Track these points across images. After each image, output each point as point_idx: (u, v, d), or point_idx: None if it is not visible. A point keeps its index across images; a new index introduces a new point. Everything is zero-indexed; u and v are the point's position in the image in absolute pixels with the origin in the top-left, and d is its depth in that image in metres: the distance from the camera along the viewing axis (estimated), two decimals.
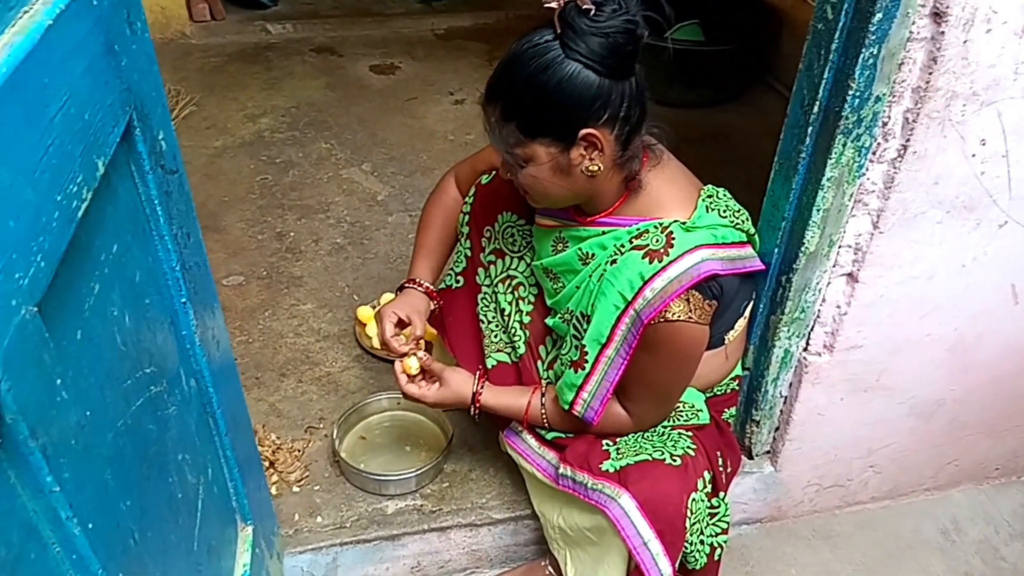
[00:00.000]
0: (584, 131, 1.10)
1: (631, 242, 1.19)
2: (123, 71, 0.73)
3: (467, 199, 1.44)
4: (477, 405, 1.35)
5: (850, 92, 1.14)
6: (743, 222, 1.24)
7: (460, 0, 3.68)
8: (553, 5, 1.05)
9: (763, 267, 1.29)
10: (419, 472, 1.52)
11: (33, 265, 0.53)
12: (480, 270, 1.44)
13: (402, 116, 2.86)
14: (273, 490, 1.52)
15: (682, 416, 1.33)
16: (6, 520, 0.51)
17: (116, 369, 0.70)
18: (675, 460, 1.21)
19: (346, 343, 1.88)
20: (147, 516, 0.73)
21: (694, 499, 1.19)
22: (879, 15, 1.07)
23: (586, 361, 1.22)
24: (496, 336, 1.43)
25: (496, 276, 1.42)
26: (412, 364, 1.33)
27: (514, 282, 1.41)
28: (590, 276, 1.24)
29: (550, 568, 1.46)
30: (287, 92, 2.97)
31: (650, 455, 1.22)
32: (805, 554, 1.66)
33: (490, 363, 1.42)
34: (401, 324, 1.37)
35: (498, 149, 1.18)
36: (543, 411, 1.34)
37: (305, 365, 1.82)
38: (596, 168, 1.14)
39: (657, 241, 1.16)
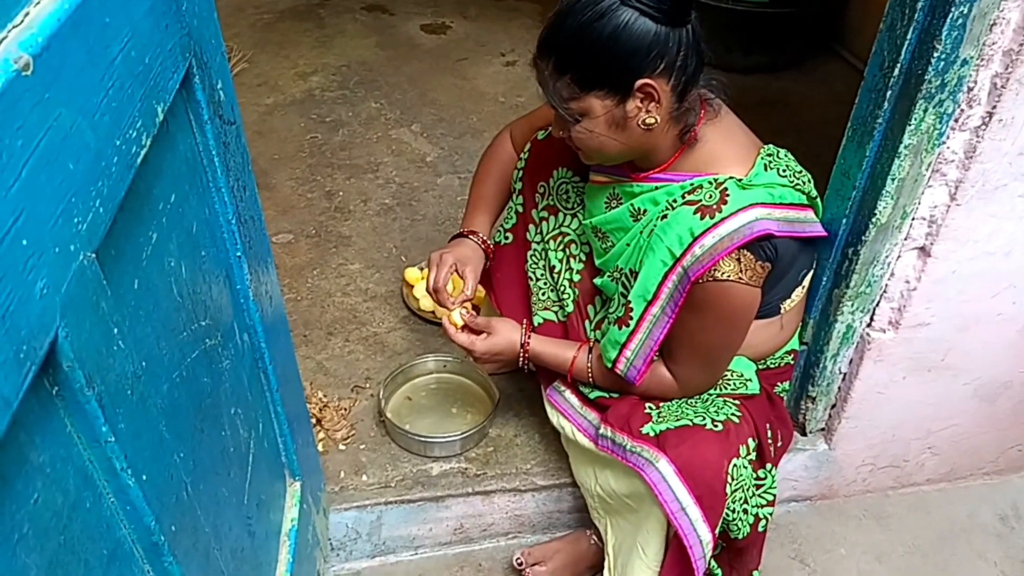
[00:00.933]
0: (640, 81, 1.06)
1: (683, 197, 1.15)
2: (183, 15, 0.71)
3: (522, 155, 1.42)
4: (526, 354, 1.34)
5: (935, 54, 1.07)
6: (804, 184, 1.19)
7: None
8: None
9: (824, 234, 1.23)
10: (464, 435, 1.52)
11: (92, 210, 0.51)
12: (531, 226, 1.42)
13: (452, 77, 2.82)
14: (320, 447, 1.53)
15: (730, 384, 1.29)
16: (63, 467, 0.50)
17: (172, 320, 0.69)
18: (716, 426, 1.18)
19: (393, 304, 1.87)
20: (199, 468, 0.73)
21: (735, 465, 1.16)
22: None
23: (631, 318, 1.19)
24: (544, 294, 1.41)
25: (548, 233, 1.40)
26: (456, 317, 1.33)
27: (566, 239, 1.38)
28: (641, 232, 1.21)
29: (594, 538, 1.45)
30: (338, 50, 2.94)
31: (691, 420, 1.20)
32: (855, 534, 1.62)
33: (537, 321, 1.41)
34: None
35: (552, 104, 1.15)
36: (589, 367, 1.31)
37: (352, 324, 1.81)
38: (653, 121, 1.10)
39: (710, 197, 1.11)
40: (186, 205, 0.74)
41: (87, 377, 0.50)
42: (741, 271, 1.10)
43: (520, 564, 1.45)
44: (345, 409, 1.61)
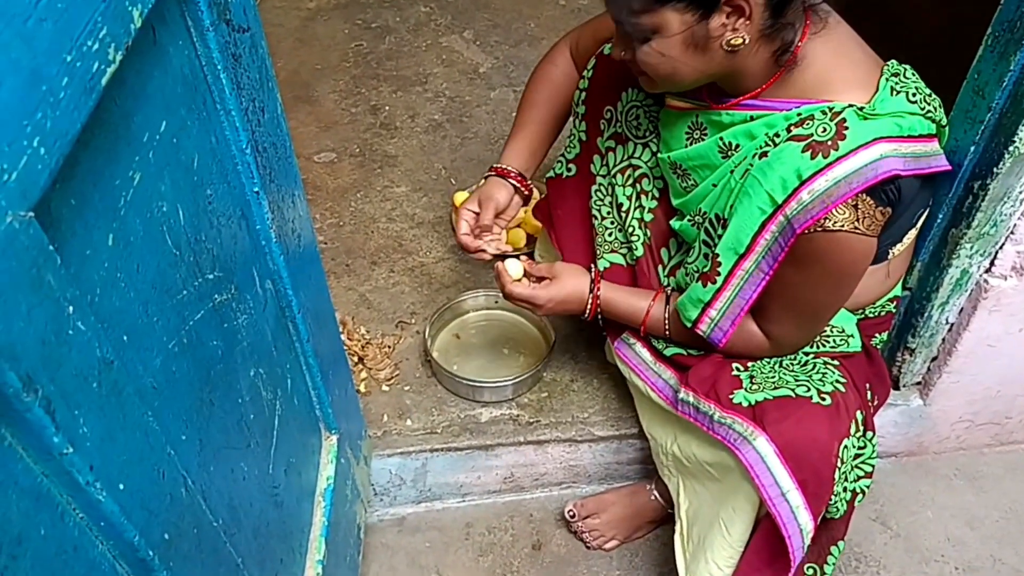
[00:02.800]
0: None
1: (789, 130, 0.96)
2: None
3: (585, 72, 1.22)
4: (596, 301, 1.18)
5: None
6: (935, 110, 0.98)
7: None
8: None
9: (949, 167, 1.04)
10: (516, 380, 1.39)
11: (24, 153, 0.37)
12: (596, 157, 1.23)
13: None
14: (361, 387, 1.43)
15: (829, 341, 1.12)
16: (4, 490, 0.38)
17: (167, 278, 0.56)
18: (824, 399, 1.01)
19: (441, 231, 1.73)
20: (207, 450, 0.62)
21: (845, 446, 1.00)
22: None
23: (718, 274, 1.03)
24: (610, 234, 1.24)
25: (615, 165, 1.21)
26: (512, 268, 1.17)
27: (637, 172, 1.20)
28: (731, 172, 1.02)
29: (655, 493, 1.33)
30: None
31: (793, 390, 1.03)
32: (944, 495, 1.47)
33: (602, 265, 1.24)
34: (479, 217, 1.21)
35: (617, 16, 0.95)
36: (666, 320, 1.16)
37: (397, 254, 1.69)
38: (740, 41, 0.91)
39: (824, 131, 0.92)
40: (183, 135, 0.60)
41: (24, 378, 0.37)
42: (858, 219, 0.92)
43: (572, 516, 1.35)
44: (389, 347, 1.50)
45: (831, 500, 1.03)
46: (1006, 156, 1.03)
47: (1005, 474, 1.50)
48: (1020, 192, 1.08)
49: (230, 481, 0.68)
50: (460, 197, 1.72)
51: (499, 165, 1.27)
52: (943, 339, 1.29)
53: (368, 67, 2.20)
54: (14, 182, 0.37)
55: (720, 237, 1.02)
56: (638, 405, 1.34)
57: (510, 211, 1.26)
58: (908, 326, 1.28)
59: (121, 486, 0.46)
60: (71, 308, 0.41)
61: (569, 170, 1.28)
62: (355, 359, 1.46)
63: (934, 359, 1.33)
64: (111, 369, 0.45)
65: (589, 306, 1.18)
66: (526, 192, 1.27)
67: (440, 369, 1.42)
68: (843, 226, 0.92)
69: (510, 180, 1.25)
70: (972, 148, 1.07)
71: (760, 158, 0.97)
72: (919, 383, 1.39)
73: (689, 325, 1.09)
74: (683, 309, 1.10)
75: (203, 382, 0.62)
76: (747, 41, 0.92)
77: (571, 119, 1.27)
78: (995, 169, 1.05)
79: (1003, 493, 1.48)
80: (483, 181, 1.29)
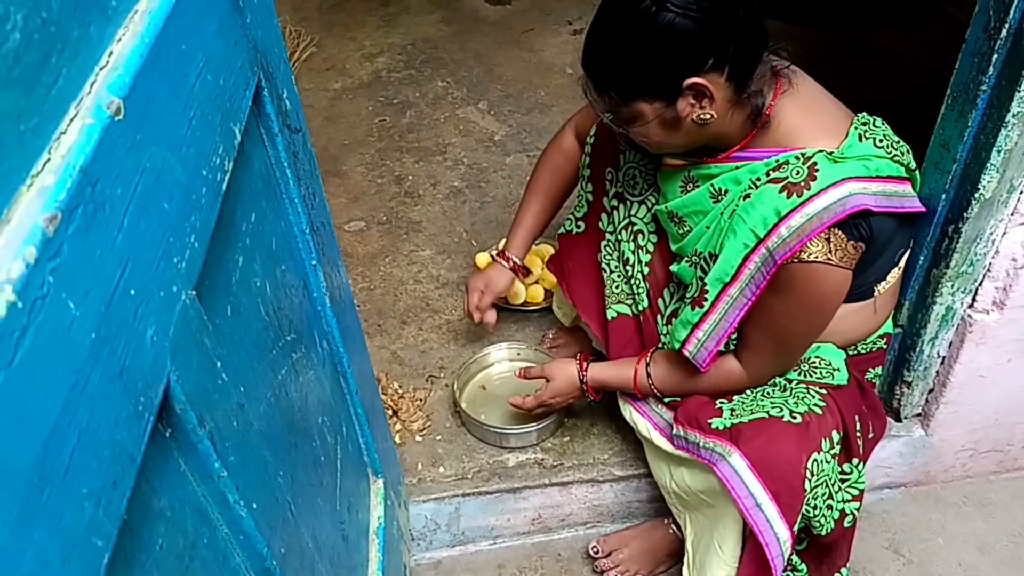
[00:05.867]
0: (688, 81, 1.01)
1: (768, 175, 1.08)
2: (248, 28, 0.69)
3: (588, 139, 1.37)
4: (587, 385, 1.35)
5: None
6: (903, 154, 1.10)
7: None
8: None
9: (923, 209, 1.15)
10: (540, 426, 1.50)
11: (188, 247, 0.50)
12: (603, 215, 1.37)
13: (518, 50, 2.76)
14: (397, 439, 1.54)
15: (816, 372, 1.23)
16: (181, 509, 0.50)
17: (263, 340, 0.69)
18: (795, 417, 1.12)
19: (464, 290, 1.86)
20: (297, 484, 0.73)
21: (815, 460, 1.10)
22: None
23: (705, 299, 1.14)
24: (618, 287, 1.37)
25: (619, 223, 1.34)
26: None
27: (634, 229, 1.33)
28: (721, 214, 1.14)
29: (673, 527, 1.41)
30: (403, 28, 2.92)
31: (767, 412, 1.14)
32: (954, 522, 1.54)
33: (610, 314, 1.37)
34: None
35: (600, 112, 1.12)
36: (649, 379, 1.28)
37: (425, 313, 1.81)
38: (708, 117, 1.05)
39: (798, 173, 1.04)
40: (265, 222, 0.73)
41: (199, 417, 0.50)
42: (831, 251, 1.03)
43: (596, 552, 1.44)
44: (421, 400, 1.61)
45: (811, 513, 1.13)
46: (973, 202, 1.14)
47: (1012, 500, 1.57)
48: (991, 234, 1.19)
49: (313, 512, 0.79)
50: (481, 258, 1.86)
51: (504, 252, 1.50)
52: (937, 372, 1.38)
53: (391, 140, 2.37)
54: (184, 269, 0.50)
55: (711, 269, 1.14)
56: (645, 448, 1.44)
57: (506, 291, 1.51)
58: (903, 361, 1.38)
59: (254, 505, 0.58)
60: (219, 363, 0.54)
61: (579, 227, 1.41)
62: (390, 412, 1.58)
63: (931, 391, 1.42)
64: (243, 411, 0.58)
65: (583, 390, 1.35)
66: (522, 275, 1.53)
67: (469, 418, 1.52)
68: (817, 258, 1.03)
69: (510, 266, 1.48)
70: (943, 195, 1.19)
71: (744, 199, 1.09)
72: (919, 415, 1.47)
73: (678, 346, 1.19)
74: (674, 332, 1.21)
75: (289, 427, 0.74)
76: (715, 116, 1.05)
77: (579, 181, 1.41)
78: (965, 214, 1.16)
79: (1012, 518, 1.54)
80: (494, 250, 1.51)
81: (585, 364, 1.36)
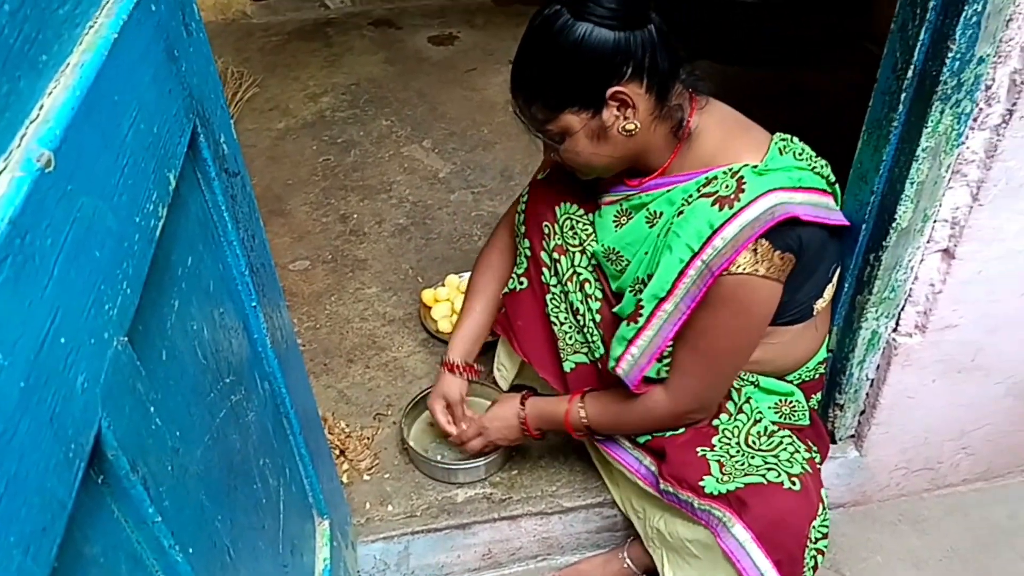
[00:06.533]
0: (611, 90, 1.06)
1: (699, 191, 1.12)
2: (184, 76, 0.71)
3: (522, 198, 1.39)
4: (526, 427, 1.38)
5: (949, 54, 1.05)
6: (822, 168, 1.16)
7: None
8: None
9: (848, 223, 1.20)
10: (488, 460, 1.51)
11: (120, 293, 0.51)
12: (544, 270, 1.36)
13: (461, 89, 2.81)
14: (344, 478, 1.52)
15: (795, 415, 1.26)
16: (114, 555, 0.50)
17: (200, 384, 0.69)
18: (794, 483, 1.13)
19: (411, 327, 1.87)
20: (237, 527, 0.73)
21: (814, 526, 1.12)
22: None
23: (640, 315, 1.16)
24: (571, 338, 1.36)
25: (564, 274, 1.34)
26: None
27: (580, 279, 1.33)
28: (658, 236, 1.17)
29: (628, 560, 1.42)
30: (347, 68, 2.95)
31: (764, 477, 1.14)
32: (891, 540, 1.59)
33: (568, 366, 1.37)
34: (449, 408, 1.47)
35: (534, 131, 1.16)
36: (583, 417, 1.30)
37: (372, 350, 1.81)
38: (633, 126, 1.10)
39: (727, 187, 1.08)
40: (202, 265, 0.74)
41: (131, 462, 0.50)
42: (758, 262, 1.06)
43: None
44: (368, 438, 1.61)
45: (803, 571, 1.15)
46: (891, 231, 1.21)
47: (944, 516, 1.63)
48: (910, 261, 1.25)
49: (254, 557, 0.78)
50: (427, 294, 1.87)
51: (449, 360, 1.46)
52: (867, 394, 1.44)
53: (336, 179, 2.38)
54: (116, 316, 0.50)
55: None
56: (611, 479, 1.45)
57: (463, 397, 1.47)
58: (835, 384, 1.44)
59: (190, 550, 0.57)
60: (152, 408, 0.54)
61: (521, 283, 1.40)
62: (337, 452, 1.57)
63: (862, 413, 1.48)
64: (179, 455, 0.58)
65: (522, 430, 1.39)
66: (474, 375, 1.49)
67: (417, 455, 1.52)
68: (745, 269, 1.06)
69: (459, 373, 1.46)
70: (863, 225, 1.25)
71: (678, 216, 1.13)
72: (853, 436, 1.53)
73: (612, 364, 1.20)
74: (612, 350, 1.22)
75: (228, 470, 0.74)
76: (639, 126, 1.10)
77: (516, 239, 1.42)
78: (884, 243, 1.22)
79: (944, 534, 1.60)
80: (436, 381, 1.50)
81: (524, 407, 1.38)
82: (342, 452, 1.57)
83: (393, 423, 1.64)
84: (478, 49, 3.05)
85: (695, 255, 1.08)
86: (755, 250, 1.06)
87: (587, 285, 1.32)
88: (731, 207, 1.06)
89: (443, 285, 1.89)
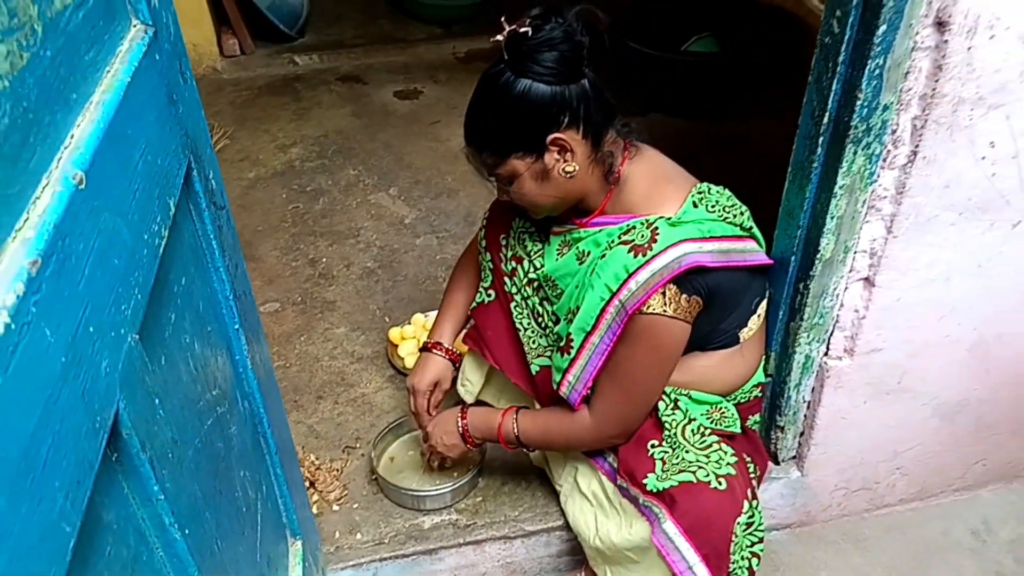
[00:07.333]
0: (551, 136, 1.20)
1: (620, 238, 1.25)
2: (181, 118, 0.80)
3: (483, 216, 1.53)
4: (465, 434, 1.47)
5: (858, 102, 1.18)
6: (735, 216, 1.29)
7: (478, 24, 3.77)
8: (499, 37, 1.19)
9: (769, 261, 1.34)
10: (454, 487, 1.58)
11: (133, 297, 0.60)
12: (506, 279, 1.49)
13: (426, 140, 2.94)
14: (314, 509, 1.58)
15: (725, 421, 1.37)
16: (125, 525, 0.58)
17: (191, 391, 0.77)
18: (720, 483, 1.23)
19: (379, 364, 1.94)
20: (221, 527, 0.80)
21: (739, 523, 1.22)
22: (883, 27, 1.11)
23: (571, 347, 1.29)
24: (534, 342, 1.47)
25: (522, 280, 1.46)
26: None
27: (536, 284, 1.45)
28: (586, 273, 1.30)
29: None
30: (315, 121, 3.06)
31: (694, 475, 1.24)
32: (835, 559, 1.68)
33: (534, 369, 1.46)
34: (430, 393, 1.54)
35: (487, 174, 1.30)
36: (515, 430, 1.41)
37: (341, 387, 1.88)
38: (572, 168, 1.23)
39: (642, 236, 1.22)
40: (193, 286, 0.82)
41: (141, 443, 0.58)
42: (666, 304, 1.19)
43: None
44: (337, 470, 1.66)
45: (733, 569, 1.24)
46: (817, 262, 1.33)
47: (884, 535, 1.73)
48: (835, 289, 1.38)
49: (235, 558, 0.85)
50: (394, 333, 1.95)
51: (434, 341, 1.57)
52: (804, 416, 1.55)
53: (305, 225, 2.47)
54: (130, 315, 0.59)
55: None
56: (566, 505, 1.53)
57: (446, 382, 1.57)
58: (775, 406, 1.54)
59: (187, 531, 0.65)
60: (157, 400, 0.62)
61: (489, 296, 1.53)
62: (307, 484, 1.62)
63: (802, 434, 1.58)
64: (177, 446, 0.66)
65: (462, 437, 1.48)
66: (456, 361, 1.58)
67: (386, 484, 1.59)
68: (656, 310, 1.19)
69: (441, 352, 1.56)
70: (793, 256, 1.37)
71: (601, 259, 1.26)
72: (794, 457, 1.63)
73: (555, 386, 1.34)
74: (553, 375, 1.36)
75: (214, 474, 0.81)
76: (578, 168, 1.24)
77: (479, 255, 1.54)
78: (811, 272, 1.35)
79: (884, 552, 1.70)
80: (417, 364, 1.59)
81: (464, 417, 1.47)
82: (312, 484, 1.62)
83: (362, 455, 1.70)
84: (442, 103, 3.20)
85: (613, 295, 1.22)
86: (664, 293, 1.20)
87: (541, 290, 1.44)
88: (644, 255, 1.20)
89: (409, 323, 1.98)
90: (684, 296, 1.20)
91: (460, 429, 1.47)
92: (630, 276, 1.20)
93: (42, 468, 0.43)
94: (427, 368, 1.55)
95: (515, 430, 1.41)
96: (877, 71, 1.16)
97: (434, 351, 1.56)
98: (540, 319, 1.45)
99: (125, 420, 0.56)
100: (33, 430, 0.43)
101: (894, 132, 1.23)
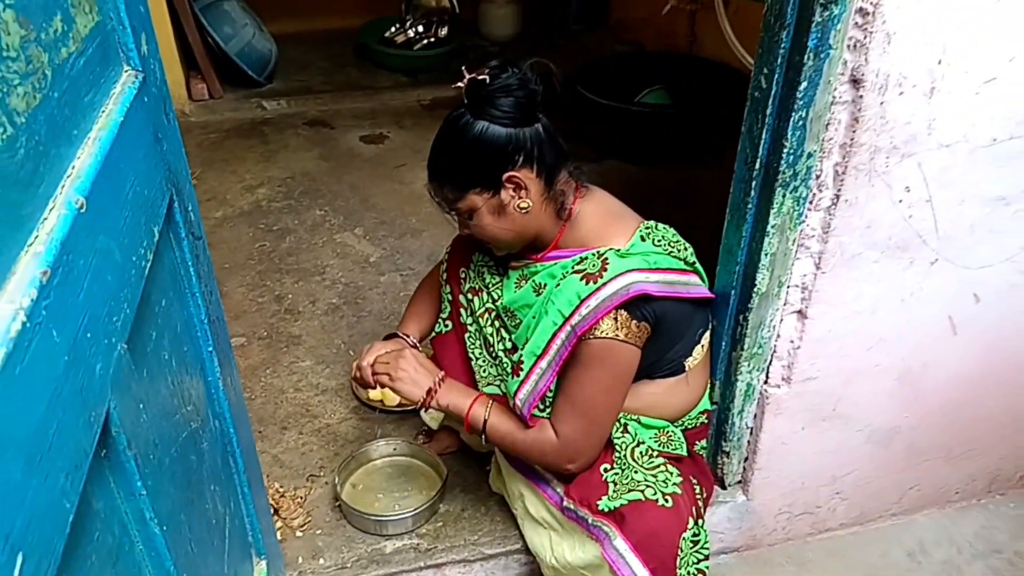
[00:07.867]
0: (507, 174, 1.31)
1: (573, 268, 1.35)
2: (165, 155, 0.88)
3: (446, 250, 1.62)
4: (432, 393, 1.44)
5: (785, 150, 1.30)
6: (679, 251, 1.39)
7: (443, 72, 3.91)
8: (460, 84, 1.30)
9: (711, 295, 1.44)
10: (415, 512, 1.63)
11: (122, 311, 0.67)
12: (462, 310, 1.58)
13: (391, 182, 3.03)
14: (278, 535, 1.61)
15: (672, 444, 1.45)
16: (110, 516, 0.64)
17: (168, 404, 0.83)
18: (667, 500, 1.30)
19: (343, 396, 2.00)
20: (194, 532, 0.85)
21: (684, 538, 1.29)
22: (804, 83, 1.24)
23: (521, 370, 1.37)
24: (485, 371, 1.55)
25: (478, 310, 1.55)
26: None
27: (493, 315, 1.53)
28: (542, 303, 1.39)
29: None
30: (282, 163, 3.14)
31: (642, 493, 1.32)
32: None
33: None
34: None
35: (447, 209, 1.39)
36: (485, 415, 1.42)
37: (305, 418, 1.93)
38: (527, 205, 1.34)
39: (593, 266, 1.32)
40: (172, 308, 0.89)
41: (128, 441, 0.64)
42: (618, 328, 1.29)
43: None
44: (301, 498, 1.71)
45: None
46: (754, 295, 1.44)
47: (826, 558, 1.81)
48: (772, 320, 1.48)
49: (206, 565, 0.90)
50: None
51: (401, 332, 1.62)
52: (748, 441, 1.64)
53: (271, 263, 2.53)
54: (120, 326, 0.65)
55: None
56: (522, 527, 1.59)
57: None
58: (720, 432, 1.63)
59: (165, 527, 0.71)
60: (141, 405, 0.69)
61: (446, 326, 1.62)
62: (272, 511, 1.66)
63: (746, 459, 1.67)
64: (157, 450, 0.72)
65: (424, 405, 1.46)
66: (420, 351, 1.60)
67: (349, 509, 1.63)
68: (607, 334, 1.28)
69: (408, 340, 1.60)
70: (732, 290, 1.48)
71: (556, 288, 1.35)
72: (740, 481, 1.71)
73: (511, 403, 1.40)
74: (508, 391, 1.42)
75: (188, 485, 0.87)
76: (532, 205, 1.34)
77: (440, 287, 1.63)
78: (749, 305, 1.45)
79: (827, 574, 1.78)
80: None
81: (444, 379, 1.46)
82: (276, 511, 1.66)
83: (326, 483, 1.74)
84: (407, 148, 3.30)
85: (566, 320, 1.31)
86: (615, 318, 1.29)
87: (497, 320, 1.53)
88: (595, 282, 1.29)
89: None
90: (635, 322, 1.30)
91: (435, 382, 1.45)
92: (582, 302, 1.29)
93: (48, 449, 0.50)
94: (392, 341, 1.57)
95: (485, 417, 1.44)
96: (801, 122, 1.28)
97: (401, 335, 1.60)
98: (491, 349, 1.54)
99: (115, 419, 0.62)
100: (42, 415, 0.50)
101: (818, 177, 1.35)
